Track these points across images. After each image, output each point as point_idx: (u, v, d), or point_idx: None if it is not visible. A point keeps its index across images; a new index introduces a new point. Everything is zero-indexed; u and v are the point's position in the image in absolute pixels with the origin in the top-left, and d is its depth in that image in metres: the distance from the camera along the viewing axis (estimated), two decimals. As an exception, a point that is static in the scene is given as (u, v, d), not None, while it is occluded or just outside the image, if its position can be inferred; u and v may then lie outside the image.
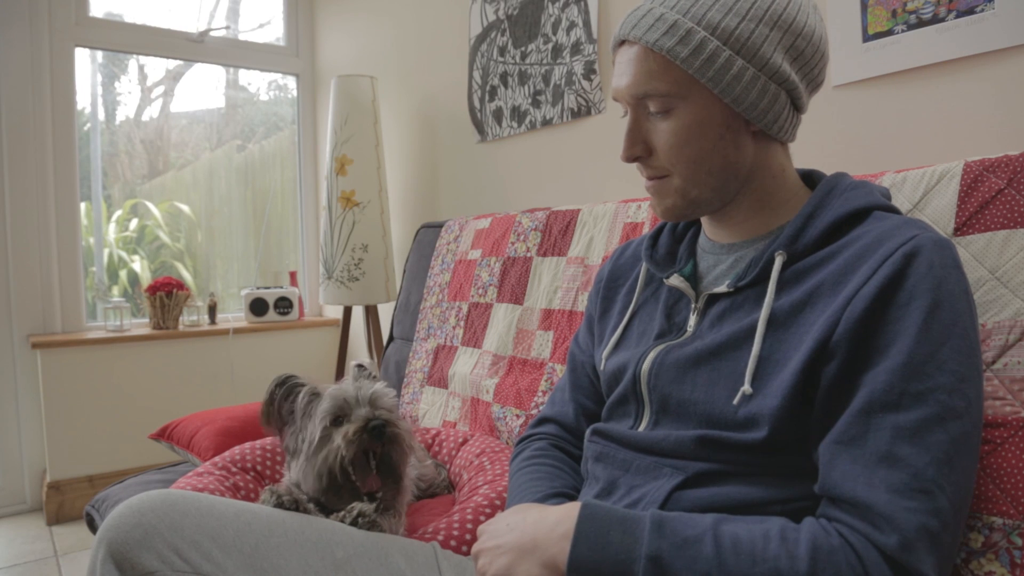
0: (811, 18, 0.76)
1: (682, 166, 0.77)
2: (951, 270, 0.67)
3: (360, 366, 1.08)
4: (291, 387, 0.99)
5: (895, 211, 0.77)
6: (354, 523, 0.88)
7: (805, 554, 0.60)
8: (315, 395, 0.98)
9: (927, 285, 0.65)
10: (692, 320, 0.82)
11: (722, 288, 0.79)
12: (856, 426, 0.64)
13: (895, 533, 0.59)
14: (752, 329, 0.74)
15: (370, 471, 0.94)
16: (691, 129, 0.75)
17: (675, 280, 0.85)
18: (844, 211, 0.75)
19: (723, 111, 0.75)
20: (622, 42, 0.78)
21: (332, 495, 0.94)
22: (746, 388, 0.71)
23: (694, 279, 0.86)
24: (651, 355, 0.83)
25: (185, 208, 3.10)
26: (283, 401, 0.99)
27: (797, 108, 0.78)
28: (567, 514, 0.69)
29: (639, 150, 0.79)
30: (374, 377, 1.05)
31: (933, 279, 0.65)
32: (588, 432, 0.91)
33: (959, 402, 0.63)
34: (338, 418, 0.95)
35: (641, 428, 0.83)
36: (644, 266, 0.93)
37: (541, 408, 1.08)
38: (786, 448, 0.70)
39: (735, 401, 0.72)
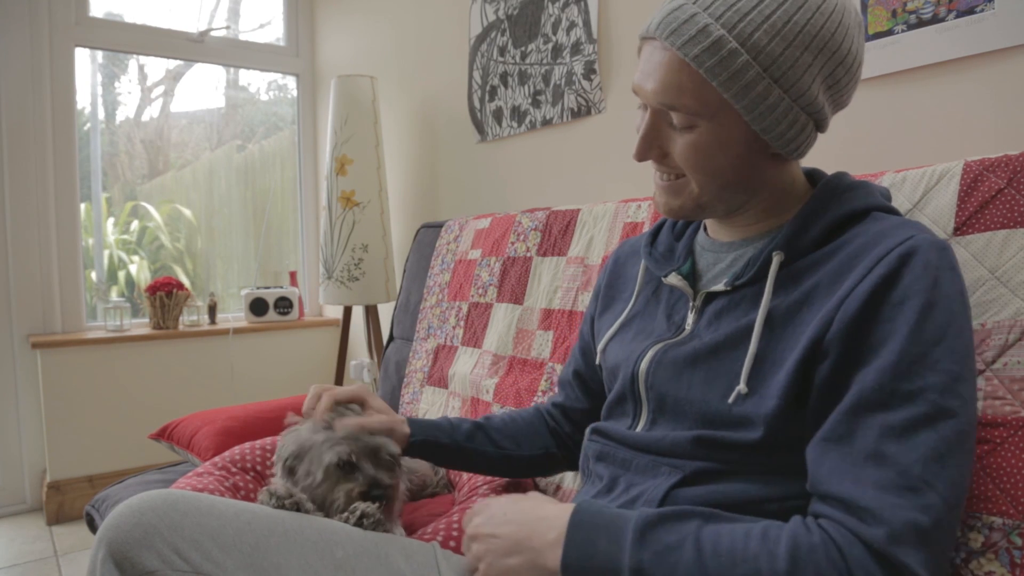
0: (856, 43, 0.72)
1: (698, 176, 0.76)
2: (946, 271, 0.67)
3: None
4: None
5: (894, 212, 0.77)
6: (358, 524, 0.88)
7: (785, 552, 0.60)
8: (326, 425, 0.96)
9: (921, 285, 0.65)
10: (690, 318, 0.82)
11: (719, 287, 0.79)
12: (844, 424, 0.64)
13: (881, 526, 0.58)
14: (749, 328, 0.74)
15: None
16: (712, 147, 0.74)
17: (673, 278, 0.86)
18: (842, 212, 0.74)
19: (747, 133, 0.73)
20: (655, 37, 0.73)
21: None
22: (741, 387, 0.71)
23: (692, 277, 0.86)
24: (649, 354, 0.83)
25: (187, 212, 3.10)
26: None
27: (819, 130, 0.76)
28: (560, 518, 0.69)
29: (653, 154, 0.78)
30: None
31: (928, 279, 0.65)
32: (588, 431, 0.91)
33: (952, 401, 0.62)
34: (344, 462, 0.93)
35: (639, 428, 0.83)
36: (644, 263, 0.93)
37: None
38: (782, 447, 0.70)
39: (730, 400, 0.72)
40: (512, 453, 1.06)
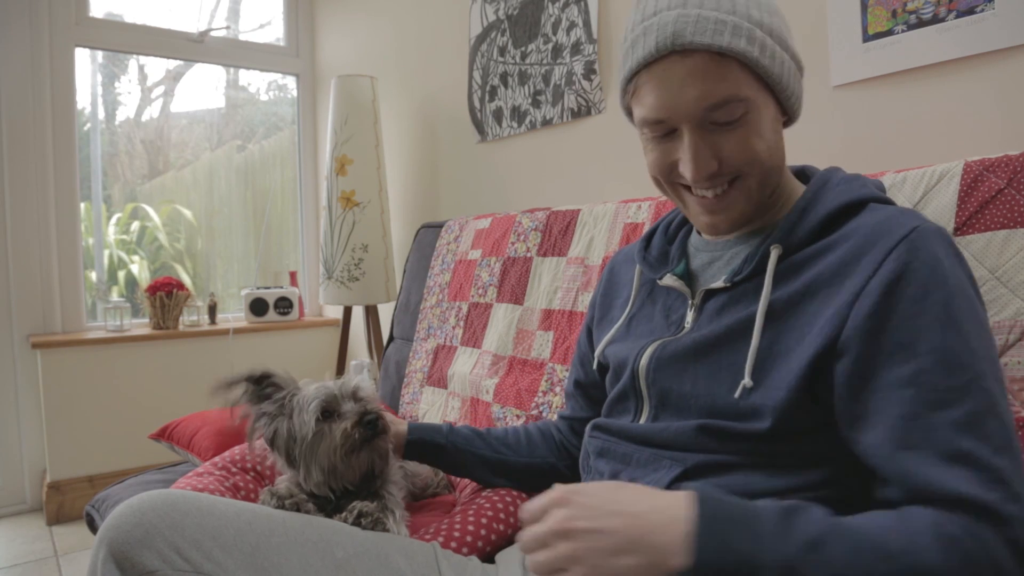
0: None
1: (755, 167, 0.75)
2: (955, 259, 0.68)
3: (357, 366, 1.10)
4: (268, 385, 1.00)
5: (890, 203, 0.78)
6: (356, 523, 0.88)
7: (935, 544, 0.57)
8: (295, 390, 1.00)
9: (938, 278, 0.65)
10: (690, 316, 0.83)
11: (719, 283, 0.79)
12: (915, 431, 0.62)
13: (1005, 522, 0.57)
14: (750, 321, 0.74)
15: (361, 463, 0.98)
16: (760, 130, 0.74)
17: (668, 280, 0.86)
18: (838, 203, 0.75)
19: (774, 106, 0.76)
20: (670, 53, 0.71)
21: (333, 483, 0.98)
22: (746, 381, 0.71)
23: (688, 277, 0.86)
24: (649, 350, 0.83)
25: (187, 213, 3.10)
26: (257, 396, 1.00)
27: (800, 75, 0.81)
28: (680, 508, 0.60)
29: (714, 165, 0.75)
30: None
31: (943, 271, 0.66)
32: (589, 428, 0.91)
33: (996, 386, 0.63)
34: (326, 412, 0.97)
35: (641, 422, 0.83)
36: (639, 268, 0.94)
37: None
38: (788, 438, 0.70)
39: (736, 395, 0.72)
40: (508, 458, 1.07)
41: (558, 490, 0.64)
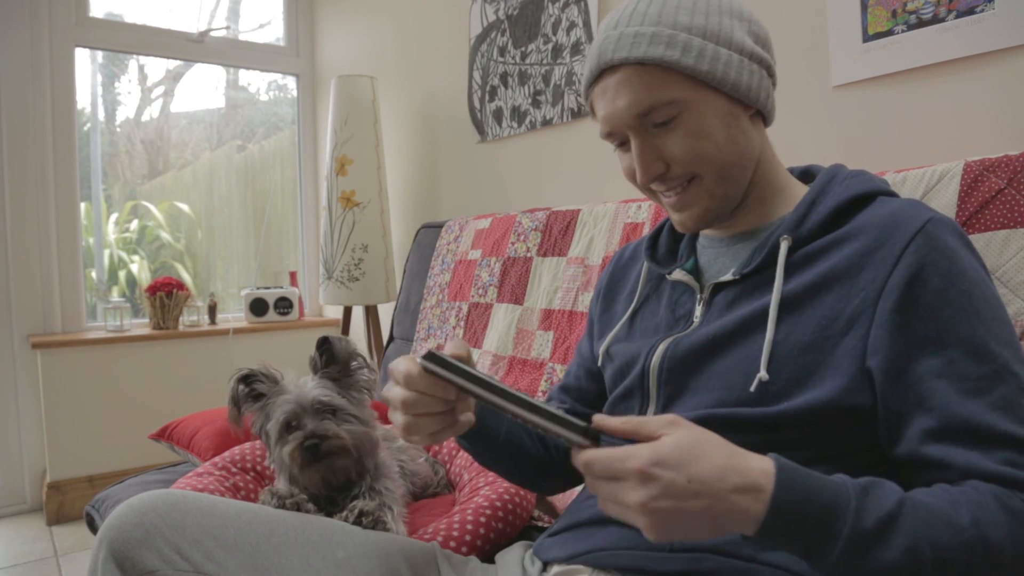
0: (745, 8, 0.80)
1: (707, 165, 0.77)
2: (968, 249, 0.70)
3: (324, 342, 1.10)
4: (252, 383, 1.07)
5: (896, 196, 0.78)
6: (357, 522, 0.88)
7: (999, 517, 0.58)
8: (275, 388, 1.05)
9: (958, 269, 0.67)
10: (698, 311, 0.82)
11: (727, 276, 0.79)
12: (954, 419, 0.64)
13: None
14: (764, 314, 0.73)
15: (315, 477, 1.01)
16: (702, 128, 0.76)
17: (678, 274, 0.86)
18: (848, 195, 0.75)
19: (722, 102, 0.76)
20: (601, 72, 0.78)
21: (297, 488, 1.01)
22: (762, 375, 0.71)
23: (696, 273, 0.86)
24: (660, 348, 0.82)
25: (185, 207, 3.10)
26: (247, 397, 1.06)
27: (771, 77, 0.81)
28: (760, 488, 0.57)
29: (660, 167, 0.78)
30: (336, 355, 1.10)
31: (961, 261, 0.68)
32: None
33: (1021, 368, 0.65)
34: (290, 424, 1.01)
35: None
36: (645, 265, 0.93)
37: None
38: (801, 432, 0.70)
39: (752, 388, 0.72)
40: (533, 456, 0.95)
41: (641, 459, 0.57)
